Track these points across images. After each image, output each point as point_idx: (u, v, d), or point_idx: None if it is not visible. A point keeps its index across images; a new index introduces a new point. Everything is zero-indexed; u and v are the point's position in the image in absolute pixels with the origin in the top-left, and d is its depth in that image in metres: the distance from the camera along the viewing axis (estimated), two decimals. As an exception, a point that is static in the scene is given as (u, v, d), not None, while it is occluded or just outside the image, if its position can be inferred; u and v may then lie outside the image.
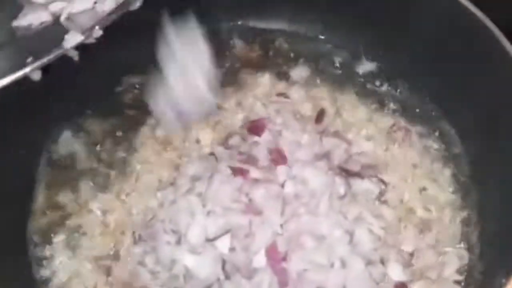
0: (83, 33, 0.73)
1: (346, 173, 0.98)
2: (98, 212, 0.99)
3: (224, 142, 1.03)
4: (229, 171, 0.95)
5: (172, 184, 1.00)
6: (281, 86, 1.11)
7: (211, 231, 0.90)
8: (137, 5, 0.78)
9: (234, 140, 1.03)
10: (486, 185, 0.96)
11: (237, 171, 0.95)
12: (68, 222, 0.98)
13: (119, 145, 1.06)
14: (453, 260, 0.93)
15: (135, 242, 0.96)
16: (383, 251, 0.92)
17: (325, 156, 0.99)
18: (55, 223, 0.99)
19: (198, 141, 1.05)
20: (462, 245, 0.95)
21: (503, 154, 0.92)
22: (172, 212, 0.95)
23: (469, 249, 0.94)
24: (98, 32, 0.74)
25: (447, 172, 1.02)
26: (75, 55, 0.76)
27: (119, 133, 1.07)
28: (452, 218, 0.97)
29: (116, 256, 0.95)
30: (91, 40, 0.75)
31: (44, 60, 0.72)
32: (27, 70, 0.71)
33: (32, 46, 0.74)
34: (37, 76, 0.74)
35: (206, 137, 1.05)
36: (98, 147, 1.05)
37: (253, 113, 1.07)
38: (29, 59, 0.72)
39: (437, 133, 1.05)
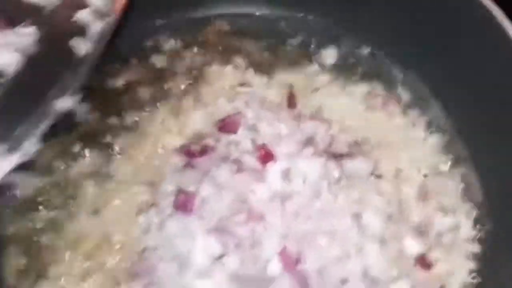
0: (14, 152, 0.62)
1: (334, 156, 0.93)
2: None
3: (197, 149, 0.94)
4: (216, 180, 0.87)
5: (154, 205, 0.91)
6: (240, 75, 1.03)
7: (215, 249, 0.83)
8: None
9: (207, 143, 0.95)
10: (475, 140, 0.96)
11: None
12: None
13: (87, 168, 0.94)
14: (463, 219, 0.92)
15: (131, 280, 0.86)
16: (393, 227, 0.89)
17: (309, 142, 0.93)
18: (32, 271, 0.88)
19: (167, 151, 0.96)
20: (468, 204, 0.94)
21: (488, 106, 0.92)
22: (164, 237, 0.86)
23: (477, 207, 0.93)
24: (34, 147, 0.64)
25: (432, 133, 1.00)
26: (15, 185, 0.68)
27: (85, 155, 0.96)
28: (449, 177, 0.96)
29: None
30: (27, 158, 0.64)
31: None
32: None
33: None
34: None
35: (175, 143, 0.96)
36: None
37: (218, 110, 0.99)
38: None
39: (414, 97, 1.03)
